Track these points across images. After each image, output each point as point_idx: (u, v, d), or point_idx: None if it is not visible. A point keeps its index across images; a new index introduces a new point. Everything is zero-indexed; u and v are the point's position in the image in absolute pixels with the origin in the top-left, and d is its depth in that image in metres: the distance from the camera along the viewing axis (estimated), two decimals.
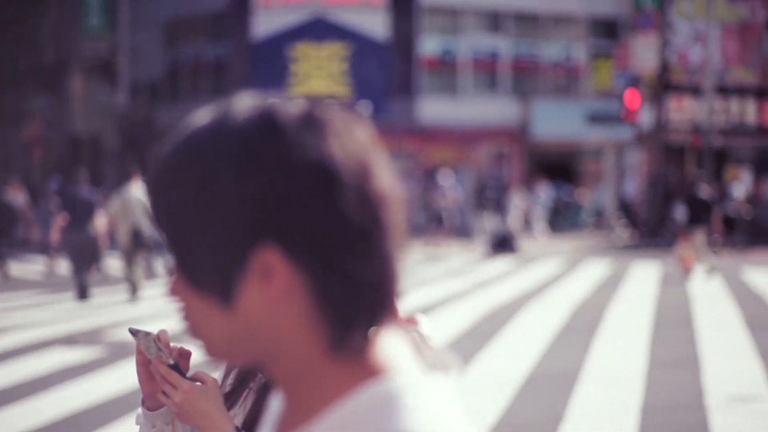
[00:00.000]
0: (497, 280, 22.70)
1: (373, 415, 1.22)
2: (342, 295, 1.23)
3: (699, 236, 22.99)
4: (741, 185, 34.69)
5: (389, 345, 1.27)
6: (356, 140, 1.27)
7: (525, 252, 30.29)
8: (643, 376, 11.54)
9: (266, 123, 1.25)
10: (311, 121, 1.25)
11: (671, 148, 40.46)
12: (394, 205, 1.27)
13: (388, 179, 1.29)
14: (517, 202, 35.03)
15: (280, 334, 1.24)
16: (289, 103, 1.27)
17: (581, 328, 15.26)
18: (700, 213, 23.17)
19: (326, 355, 1.24)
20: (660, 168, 36.33)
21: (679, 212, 25.24)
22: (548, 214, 37.81)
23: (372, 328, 1.24)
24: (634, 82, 37.80)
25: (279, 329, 1.24)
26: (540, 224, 35.84)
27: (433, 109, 40.93)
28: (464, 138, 41.33)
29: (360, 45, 40.21)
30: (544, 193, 36.28)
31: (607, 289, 20.63)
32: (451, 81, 41.67)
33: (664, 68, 38.34)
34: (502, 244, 30.15)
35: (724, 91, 41.57)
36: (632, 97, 37.22)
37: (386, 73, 40.81)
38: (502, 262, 27.40)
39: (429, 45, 41.25)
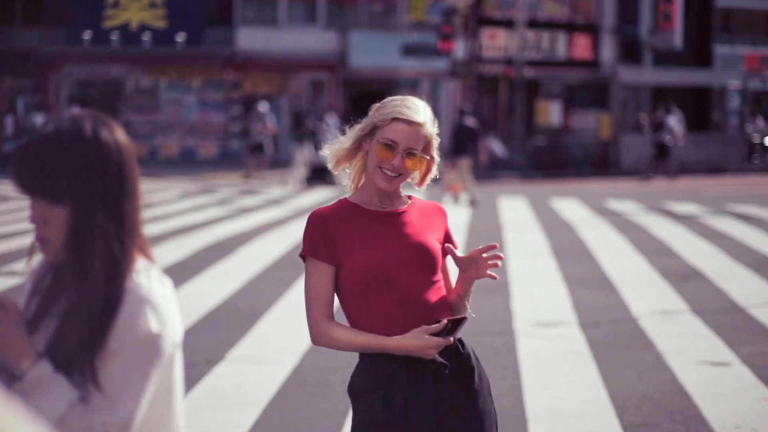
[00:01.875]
0: (315, 208, 22.82)
1: None
2: None
3: (464, 164, 23.80)
4: (675, 117, 36.04)
5: None
6: None
7: (344, 183, 30.41)
8: None
9: None
10: None
11: (485, 79, 41.07)
12: None
13: None
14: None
15: None
16: None
17: None
18: (465, 142, 23.99)
19: None
20: (473, 98, 36.85)
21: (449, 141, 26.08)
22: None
23: None
24: (449, 14, 38.15)
25: None
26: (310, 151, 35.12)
27: (252, 38, 40.63)
28: (283, 68, 41.19)
29: None
30: (333, 120, 36.16)
31: None
32: (269, 11, 41.38)
33: (478, 1, 38.76)
34: (319, 174, 30.26)
35: (535, 24, 42.32)
36: (447, 30, 37.58)
37: (204, 3, 40.31)
38: (321, 192, 27.55)
39: None
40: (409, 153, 3.84)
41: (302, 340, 9.90)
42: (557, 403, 7.87)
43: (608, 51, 45.69)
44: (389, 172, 3.87)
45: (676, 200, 25.65)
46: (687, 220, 20.86)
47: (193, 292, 12.41)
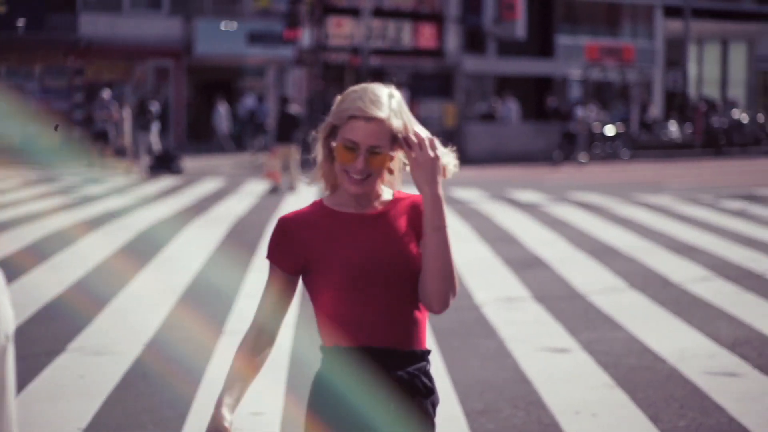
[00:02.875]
0: (160, 197, 22.59)
1: None
2: None
3: (291, 152, 24.21)
4: (584, 108, 37.41)
5: None
6: None
7: (188, 171, 30.21)
8: (299, 292, 11.78)
9: None
10: None
11: (331, 68, 41.11)
12: None
13: None
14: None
15: None
16: None
17: (241, 244, 15.43)
18: (288, 129, 24.37)
19: None
20: (317, 86, 36.92)
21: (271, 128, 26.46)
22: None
23: None
24: (295, 1, 38.09)
25: None
26: (153, 139, 34.53)
27: (95, 24, 40.00)
28: (127, 55, 40.64)
29: None
30: (155, 108, 35.74)
31: (268, 206, 20.90)
32: None
33: None
34: (163, 163, 29.95)
35: (381, 13, 42.54)
36: (292, 17, 37.55)
37: None
38: (166, 180, 27.27)
39: None
40: (373, 152, 3.38)
41: (145, 330, 9.79)
42: None
43: (453, 40, 46.17)
44: (355, 176, 3.39)
45: (518, 188, 26.05)
46: (529, 208, 21.19)
47: (34, 282, 12.17)
